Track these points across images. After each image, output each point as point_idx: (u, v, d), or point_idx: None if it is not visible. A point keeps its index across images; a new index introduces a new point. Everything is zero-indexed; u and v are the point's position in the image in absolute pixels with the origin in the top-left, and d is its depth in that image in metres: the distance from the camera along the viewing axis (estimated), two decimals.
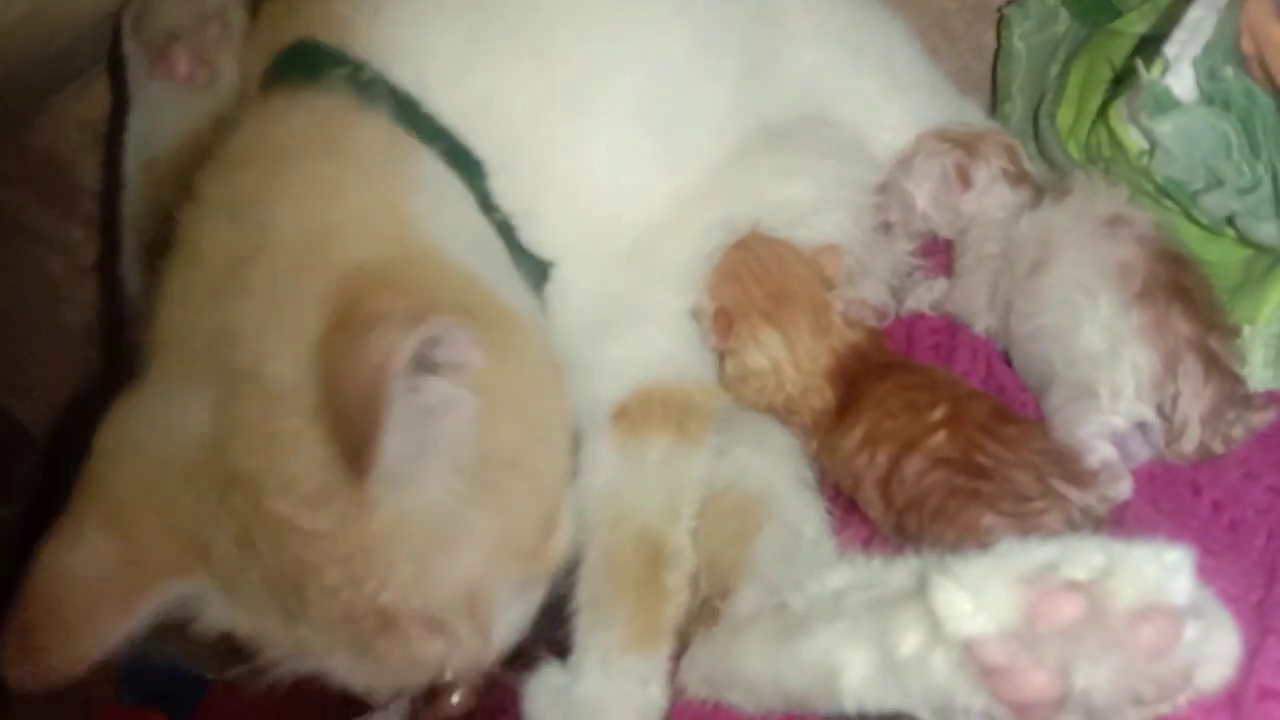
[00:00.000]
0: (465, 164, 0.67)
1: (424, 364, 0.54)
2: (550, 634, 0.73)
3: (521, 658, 0.72)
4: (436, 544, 0.56)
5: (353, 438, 0.50)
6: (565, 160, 0.71)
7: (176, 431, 0.58)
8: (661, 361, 0.76)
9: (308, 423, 0.53)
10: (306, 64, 0.67)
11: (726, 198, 0.76)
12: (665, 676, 0.67)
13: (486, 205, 0.69)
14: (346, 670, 0.59)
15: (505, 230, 0.69)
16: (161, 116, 0.81)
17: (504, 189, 0.69)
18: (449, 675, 0.61)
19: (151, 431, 0.59)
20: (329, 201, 0.60)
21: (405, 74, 0.67)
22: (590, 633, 0.68)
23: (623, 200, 0.73)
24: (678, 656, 0.68)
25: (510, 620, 0.63)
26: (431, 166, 0.66)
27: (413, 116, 0.66)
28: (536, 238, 0.71)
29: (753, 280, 0.76)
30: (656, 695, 0.67)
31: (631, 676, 0.66)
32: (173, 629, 0.60)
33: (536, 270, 0.71)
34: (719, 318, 0.75)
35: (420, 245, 0.61)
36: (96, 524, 0.58)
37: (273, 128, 0.64)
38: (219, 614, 0.60)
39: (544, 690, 0.67)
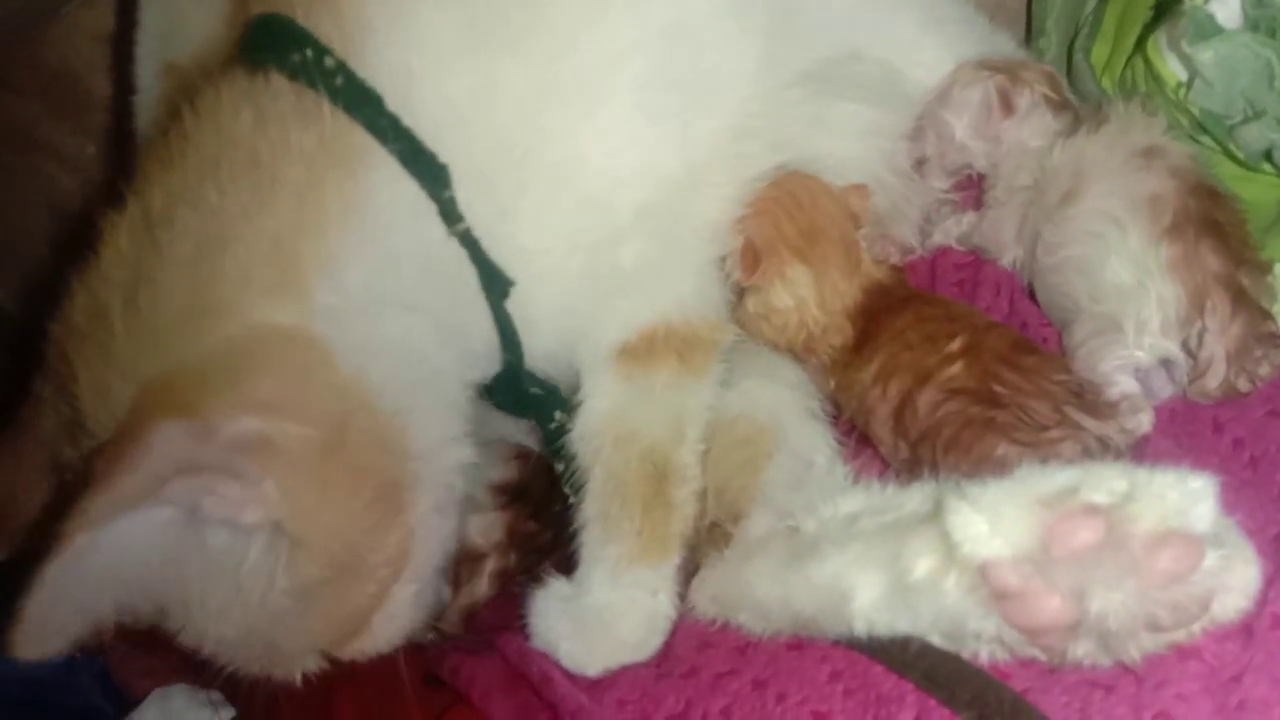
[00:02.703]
0: (428, 171, 0.63)
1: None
2: (556, 552, 0.74)
3: (528, 575, 0.72)
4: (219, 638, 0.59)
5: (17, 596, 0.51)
6: (558, 154, 0.66)
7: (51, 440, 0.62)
8: (670, 305, 0.75)
9: None
10: (271, 43, 0.62)
11: (756, 154, 0.74)
12: (673, 587, 0.67)
13: (449, 215, 0.64)
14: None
15: (468, 242, 0.65)
16: (181, 15, 0.76)
17: (475, 191, 0.64)
18: None
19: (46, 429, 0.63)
20: (223, 238, 0.58)
21: (389, 62, 0.62)
22: (598, 546, 0.68)
23: (621, 184, 0.69)
24: (687, 576, 0.68)
25: None
26: (381, 174, 0.61)
27: (373, 116, 0.61)
28: (511, 238, 0.67)
29: (785, 216, 0.74)
30: (665, 604, 0.67)
31: (640, 586, 0.67)
32: None
33: (498, 285, 0.67)
34: (746, 253, 0.73)
35: (295, 320, 0.58)
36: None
37: (213, 127, 0.60)
38: None
39: (552, 602, 0.68)
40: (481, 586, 0.72)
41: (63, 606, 0.53)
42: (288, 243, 0.58)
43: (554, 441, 0.74)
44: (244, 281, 0.57)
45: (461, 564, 0.72)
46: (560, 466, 0.73)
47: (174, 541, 0.56)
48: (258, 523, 0.56)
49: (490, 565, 0.72)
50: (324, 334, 0.59)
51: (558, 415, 0.74)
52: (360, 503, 0.58)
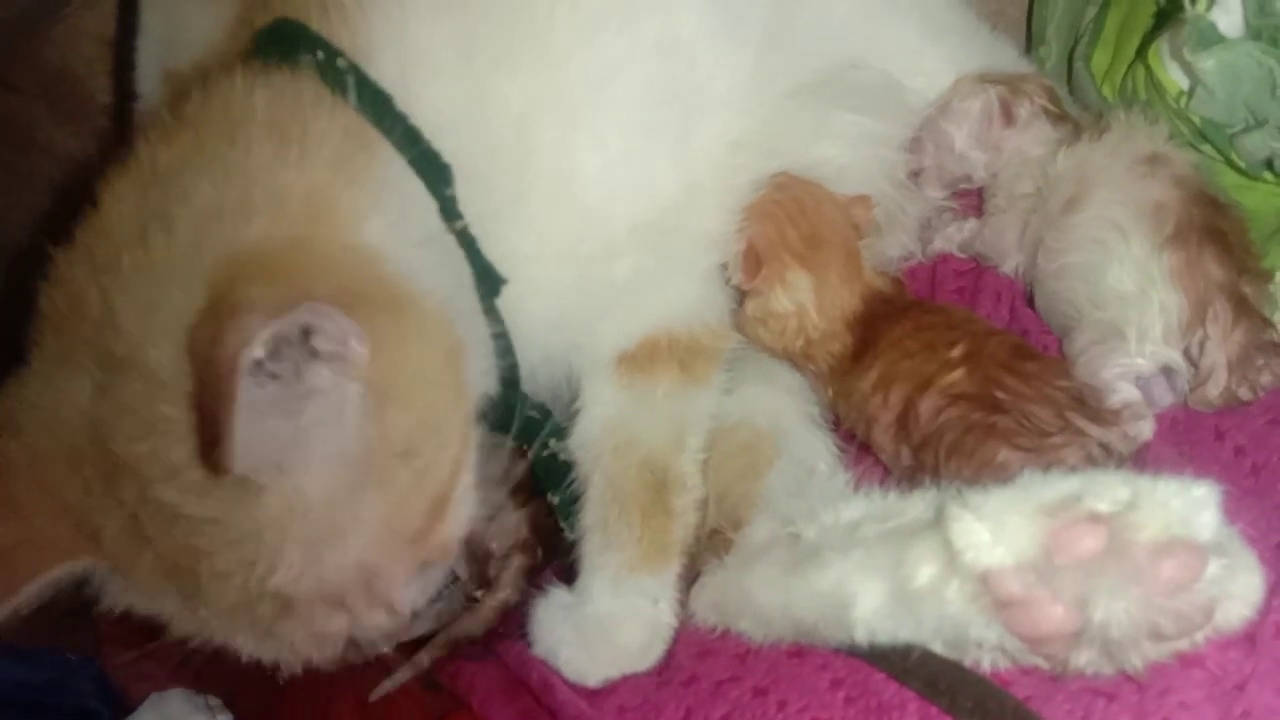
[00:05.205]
0: (431, 169, 0.64)
1: (308, 351, 0.53)
2: (556, 561, 0.74)
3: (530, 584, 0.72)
4: (324, 529, 0.56)
5: (205, 431, 0.49)
6: (555, 165, 0.67)
7: (60, 415, 0.58)
8: (671, 314, 0.75)
9: (186, 410, 0.52)
10: (285, 44, 0.64)
11: (753, 163, 0.74)
12: (674, 594, 0.67)
13: (448, 213, 0.65)
14: (253, 647, 0.59)
15: (465, 240, 0.66)
16: (183, 22, 0.76)
17: (473, 193, 0.65)
18: (365, 646, 0.61)
19: (36, 414, 0.59)
20: (252, 180, 0.57)
21: (388, 69, 0.64)
22: (599, 554, 0.68)
23: (617, 198, 0.69)
24: (688, 583, 0.68)
25: (414, 594, 0.63)
26: (391, 167, 0.63)
27: (383, 114, 0.63)
28: (507, 243, 0.67)
29: (788, 221, 0.74)
30: (666, 612, 0.67)
31: (642, 594, 0.67)
32: None
33: (490, 283, 0.68)
34: (748, 257, 0.73)
35: (330, 231, 0.58)
36: None
37: (224, 100, 0.61)
38: (118, 594, 0.60)
39: (553, 611, 0.67)
40: (513, 584, 0.73)
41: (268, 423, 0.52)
42: (319, 187, 0.59)
43: (544, 469, 0.73)
44: (274, 205, 0.57)
45: (492, 563, 0.73)
46: (551, 497, 0.73)
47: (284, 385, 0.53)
48: (358, 364, 0.55)
49: (519, 562, 0.73)
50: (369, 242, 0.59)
51: (551, 443, 0.74)
52: (433, 369, 0.59)
